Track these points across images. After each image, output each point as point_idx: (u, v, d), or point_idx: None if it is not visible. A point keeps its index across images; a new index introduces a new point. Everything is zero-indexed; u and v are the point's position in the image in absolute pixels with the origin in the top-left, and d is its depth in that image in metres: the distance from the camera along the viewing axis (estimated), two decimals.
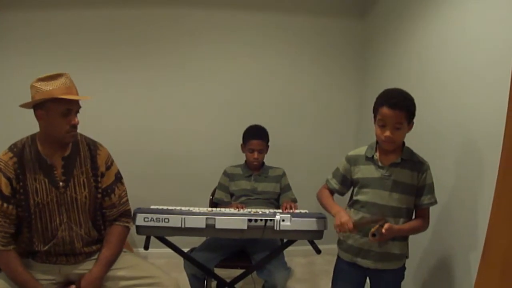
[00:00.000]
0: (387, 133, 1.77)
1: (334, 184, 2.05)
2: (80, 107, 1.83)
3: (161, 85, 3.38)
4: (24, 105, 1.76)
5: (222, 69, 3.42)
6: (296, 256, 3.45)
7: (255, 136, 2.64)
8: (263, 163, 2.73)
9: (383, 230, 1.72)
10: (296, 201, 2.67)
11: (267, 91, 3.48)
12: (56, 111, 1.74)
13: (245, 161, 2.74)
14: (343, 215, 1.82)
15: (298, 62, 3.48)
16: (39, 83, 1.72)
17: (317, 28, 3.46)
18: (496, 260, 1.02)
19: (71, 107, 1.77)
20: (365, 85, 3.50)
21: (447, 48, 2.26)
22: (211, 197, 2.80)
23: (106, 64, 3.30)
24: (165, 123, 3.41)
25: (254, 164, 2.66)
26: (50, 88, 1.71)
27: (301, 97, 3.53)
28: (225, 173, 2.73)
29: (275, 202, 2.66)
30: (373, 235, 1.73)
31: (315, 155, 3.54)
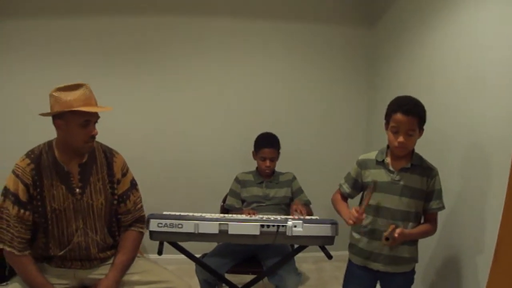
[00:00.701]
0: (401, 139, 1.82)
1: (346, 188, 2.09)
2: (99, 117, 1.86)
3: (172, 93, 3.43)
4: (44, 114, 1.79)
5: (232, 76, 3.47)
6: (306, 262, 3.47)
7: (267, 144, 2.66)
8: (274, 169, 2.75)
9: (396, 235, 1.76)
10: (310, 203, 2.71)
11: (277, 97, 3.53)
12: (76, 122, 1.76)
13: (256, 167, 2.77)
14: (349, 212, 1.88)
15: (307, 69, 3.53)
16: (58, 92, 1.74)
17: (326, 36, 3.51)
18: (508, 261, 1.04)
19: (90, 118, 1.80)
20: (373, 92, 3.53)
21: (456, 54, 2.29)
22: (222, 203, 2.83)
23: (115, 71, 3.35)
24: (176, 130, 3.46)
25: (266, 172, 2.69)
26: (70, 99, 1.72)
27: (310, 104, 3.57)
28: (236, 180, 2.76)
29: (286, 207, 2.68)
30: (387, 239, 1.77)
31: (325, 160, 3.57)
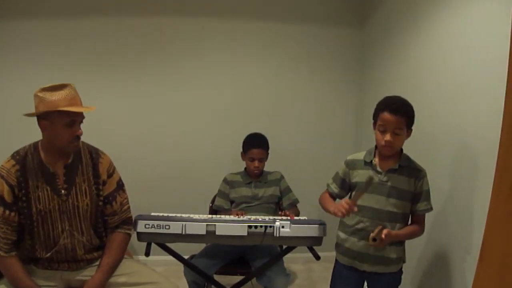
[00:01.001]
0: (387, 137, 1.81)
1: (334, 188, 2.09)
2: (84, 117, 1.85)
3: (161, 93, 3.41)
4: (28, 115, 1.78)
5: (223, 77, 3.46)
6: (295, 263, 3.47)
7: (256, 145, 2.66)
8: (263, 169, 2.75)
9: (383, 236, 1.76)
10: (298, 202, 2.72)
11: (267, 98, 3.52)
12: (60, 122, 1.75)
13: (245, 168, 2.76)
14: (338, 205, 1.84)
15: (297, 69, 3.52)
16: (43, 93, 1.73)
17: (316, 36, 3.50)
18: (493, 262, 1.04)
19: (75, 118, 1.79)
20: (363, 92, 3.54)
21: (445, 55, 2.30)
22: (211, 204, 2.82)
23: (105, 71, 3.32)
24: (168, 131, 3.44)
25: (255, 173, 2.68)
26: (54, 99, 1.72)
27: (300, 104, 3.56)
28: (225, 181, 2.75)
29: (275, 206, 2.68)
30: (374, 239, 1.78)
31: (314, 161, 3.57)
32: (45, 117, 1.75)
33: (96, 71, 3.30)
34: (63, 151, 1.84)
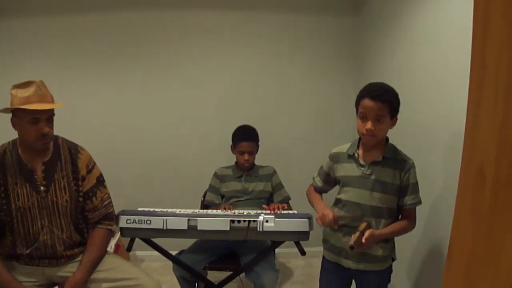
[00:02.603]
0: (369, 125, 1.71)
1: (318, 181, 2.03)
2: (53, 114, 1.84)
3: (151, 87, 3.38)
4: (2, 111, 1.79)
5: (214, 69, 3.40)
6: (295, 258, 3.41)
7: (245, 138, 2.60)
8: (254, 163, 2.70)
9: (363, 240, 1.67)
10: (290, 199, 2.66)
11: (260, 90, 3.45)
12: (25, 119, 1.76)
13: (236, 162, 2.71)
14: (325, 208, 1.82)
15: (292, 60, 3.44)
16: (15, 90, 1.76)
17: (311, 26, 3.42)
18: (461, 260, 0.98)
19: (38, 116, 1.77)
20: (360, 82, 3.43)
21: (439, 43, 2.20)
22: (202, 199, 2.79)
23: (95, 67, 3.31)
24: (156, 125, 3.41)
25: (245, 166, 2.63)
26: (22, 96, 1.73)
27: (295, 96, 3.48)
28: (215, 175, 2.71)
29: (266, 201, 2.62)
30: (351, 247, 1.66)
31: (310, 154, 3.47)
32: (15, 115, 1.78)
33: (84, 67, 3.29)
34: (32, 147, 1.84)
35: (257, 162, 2.73)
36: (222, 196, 2.66)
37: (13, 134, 1.86)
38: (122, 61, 3.33)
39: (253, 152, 2.62)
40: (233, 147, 2.66)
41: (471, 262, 0.95)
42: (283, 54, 3.43)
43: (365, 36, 3.33)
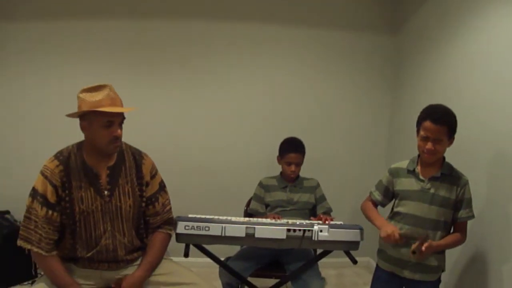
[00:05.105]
0: (429, 145, 1.84)
1: (377, 195, 2.11)
2: (124, 118, 1.85)
3: (198, 98, 3.48)
4: (70, 115, 1.79)
5: (258, 82, 3.51)
6: (326, 267, 3.44)
7: (293, 149, 2.66)
8: (299, 174, 2.75)
9: (423, 248, 1.76)
10: (331, 210, 2.70)
11: (301, 104, 3.54)
12: (99, 123, 1.76)
13: (280, 172, 2.77)
14: (389, 226, 1.89)
15: (331, 75, 3.54)
16: (84, 94, 1.75)
17: (351, 44, 3.52)
18: None
19: (113, 119, 1.78)
20: (396, 100, 3.51)
21: (481, 61, 2.27)
22: (245, 208, 2.84)
23: (140, 76, 3.42)
24: (201, 134, 3.50)
25: (291, 177, 2.69)
26: (94, 100, 1.72)
27: (333, 110, 3.58)
28: (260, 184, 2.76)
29: (309, 213, 2.68)
30: (413, 252, 1.77)
31: (347, 167, 3.57)
32: (85, 118, 1.77)
33: (129, 76, 3.39)
34: (103, 152, 1.84)
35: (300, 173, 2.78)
36: (266, 206, 2.71)
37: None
38: (167, 73, 3.43)
39: (299, 163, 2.67)
40: (280, 158, 2.72)
41: None
42: (322, 69, 3.54)
43: (403, 56, 3.40)
